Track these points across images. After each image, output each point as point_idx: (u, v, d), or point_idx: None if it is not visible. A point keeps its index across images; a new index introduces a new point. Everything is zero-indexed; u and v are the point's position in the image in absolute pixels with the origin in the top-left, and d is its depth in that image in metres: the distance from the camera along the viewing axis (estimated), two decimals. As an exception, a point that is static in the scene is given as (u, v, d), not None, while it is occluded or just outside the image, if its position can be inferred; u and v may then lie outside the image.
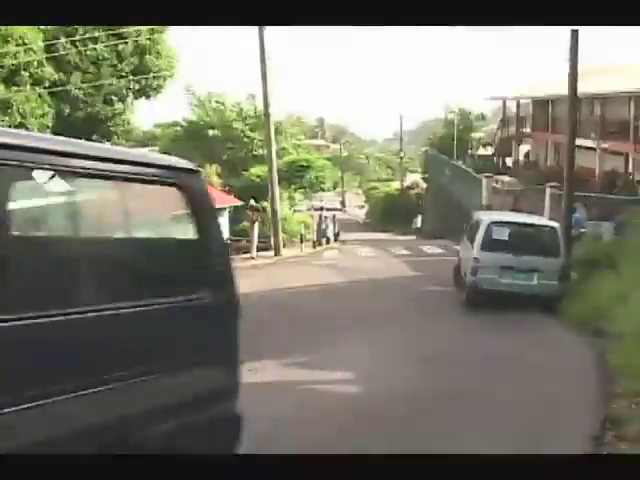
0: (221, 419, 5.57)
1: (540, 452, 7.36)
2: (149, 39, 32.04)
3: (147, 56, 32.43)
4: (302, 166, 55.93)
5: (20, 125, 29.20)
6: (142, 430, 4.83)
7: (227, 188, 47.86)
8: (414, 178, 79.64)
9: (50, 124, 29.98)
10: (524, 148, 54.29)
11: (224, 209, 41.94)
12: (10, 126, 28.94)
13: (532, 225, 19.44)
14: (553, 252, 18.07)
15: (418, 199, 65.83)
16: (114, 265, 5.07)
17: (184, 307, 5.28)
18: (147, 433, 4.86)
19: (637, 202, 25.45)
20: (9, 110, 28.94)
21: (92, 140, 32.45)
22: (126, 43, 31.49)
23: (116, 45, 31.24)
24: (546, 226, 19.34)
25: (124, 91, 32.38)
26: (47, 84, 29.66)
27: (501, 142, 55.79)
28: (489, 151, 60.96)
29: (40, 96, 29.50)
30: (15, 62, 29.01)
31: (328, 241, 40.38)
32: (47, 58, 29.65)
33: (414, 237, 52.15)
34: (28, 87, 29.19)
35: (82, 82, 30.57)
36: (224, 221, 41.14)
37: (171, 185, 5.42)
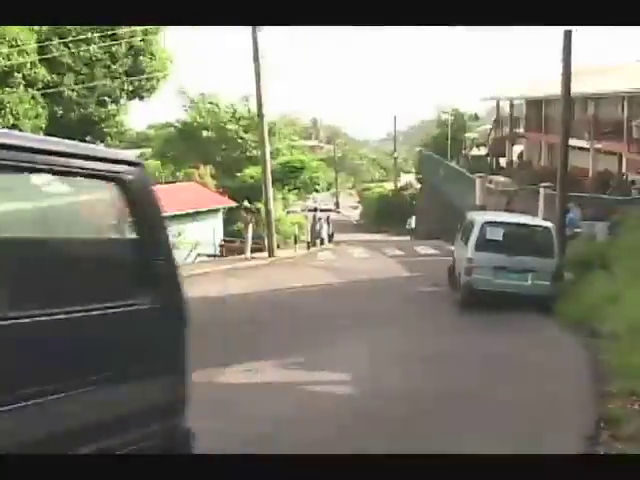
0: (165, 437, 5.14)
1: (536, 452, 7.38)
2: (143, 40, 32.00)
3: (141, 57, 32.41)
4: (296, 167, 55.86)
5: (13, 127, 29.14)
6: (70, 450, 4.34)
7: (221, 189, 47.87)
8: (408, 179, 79.68)
9: (43, 125, 29.92)
10: (518, 148, 54.36)
11: (218, 210, 41.96)
12: (3, 127, 28.90)
13: (526, 225, 19.46)
14: (547, 252, 18.10)
15: (412, 200, 65.86)
16: (41, 268, 4.57)
17: (120, 313, 4.82)
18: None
19: (630, 202, 25.50)
20: (2, 112, 28.88)
21: (86, 141, 32.44)
22: (120, 44, 31.45)
23: (109, 46, 31.19)
24: (540, 226, 19.36)
25: (117, 92, 32.35)
26: (40, 85, 29.62)
27: (495, 142, 55.84)
28: (483, 151, 61.01)
29: (33, 97, 29.45)
30: (8, 64, 28.95)
31: (322, 242, 40.33)
32: (40, 59, 29.58)
33: (408, 238, 52.17)
34: (21, 88, 29.14)
35: (75, 83, 30.52)
36: (218, 222, 41.19)
37: (109, 179, 4.97)
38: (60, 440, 4.31)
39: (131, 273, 5.11)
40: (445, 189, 46.36)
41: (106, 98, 31.96)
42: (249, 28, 29.53)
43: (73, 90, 30.38)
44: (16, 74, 28.95)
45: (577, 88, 23.94)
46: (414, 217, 59.22)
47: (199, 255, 37.34)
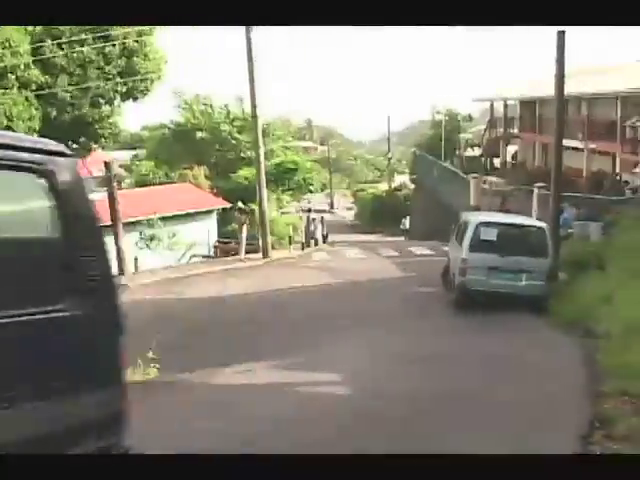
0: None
1: (531, 451, 7.39)
2: (136, 41, 31.97)
3: (134, 58, 32.35)
4: (290, 168, 55.88)
5: (7, 128, 29.08)
6: None
7: (215, 190, 47.84)
8: (402, 179, 79.69)
9: (37, 127, 29.87)
10: (512, 149, 54.40)
11: (212, 211, 41.94)
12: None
13: (520, 226, 19.47)
14: (541, 252, 18.13)
15: (406, 200, 65.87)
16: None
17: (43, 320, 4.36)
18: None
19: (624, 202, 25.55)
20: (-4, 113, 28.86)
21: (80, 143, 32.40)
22: (113, 45, 31.41)
23: (103, 47, 31.15)
24: (534, 226, 19.38)
25: (111, 93, 32.31)
26: (34, 87, 29.56)
27: (489, 143, 55.89)
28: (477, 152, 61.06)
29: (27, 99, 29.40)
30: (1, 65, 28.90)
31: (316, 243, 40.29)
32: (34, 61, 29.53)
33: (402, 238, 52.21)
34: (15, 90, 29.09)
35: (69, 85, 30.47)
36: (212, 223, 41.17)
37: (33, 171, 4.53)
38: None
39: (56, 276, 4.60)
40: (439, 190, 46.35)
41: (100, 99, 31.91)
42: (242, 28, 29.55)
43: (67, 91, 30.33)
44: (9, 75, 28.89)
45: (571, 88, 23.99)
46: (408, 218, 59.22)
47: (193, 256, 37.32)
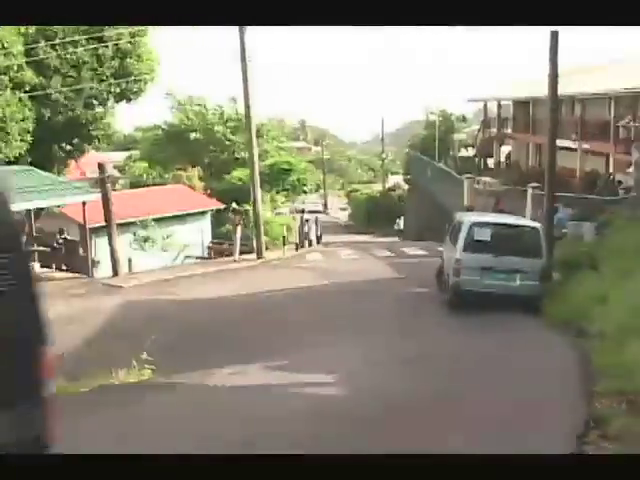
0: None
1: (527, 451, 7.38)
2: (130, 42, 31.92)
3: (128, 59, 32.30)
4: (284, 169, 55.90)
5: (0, 129, 29.03)
6: None
7: (209, 191, 47.82)
8: (396, 180, 79.73)
9: (30, 128, 29.80)
10: (505, 149, 54.43)
11: (206, 212, 41.92)
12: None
13: (514, 226, 19.46)
14: (535, 253, 18.13)
15: (400, 201, 65.93)
16: None
17: None
18: None
19: (617, 202, 25.57)
20: (-11, 114, 28.78)
21: (73, 144, 32.34)
22: (106, 47, 31.35)
23: (96, 49, 31.09)
24: (528, 227, 19.38)
25: (105, 95, 32.24)
26: (27, 88, 29.50)
27: (482, 143, 55.92)
28: (471, 152, 61.10)
29: (20, 100, 29.33)
30: (-5, 66, 28.88)
31: (310, 243, 40.32)
32: (27, 62, 29.47)
33: (396, 239, 52.25)
34: (8, 91, 29.03)
35: (62, 86, 30.41)
36: (206, 224, 41.16)
37: None
38: None
39: None
40: (433, 190, 46.38)
41: (93, 100, 31.86)
42: (236, 29, 29.54)
43: (60, 93, 30.27)
44: (3, 77, 28.83)
45: (564, 89, 23.98)
46: (402, 218, 59.26)
47: (188, 257, 37.33)
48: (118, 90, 32.44)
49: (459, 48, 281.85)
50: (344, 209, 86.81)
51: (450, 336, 16.04)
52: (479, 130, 58.54)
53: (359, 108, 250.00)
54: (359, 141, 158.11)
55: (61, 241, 30.80)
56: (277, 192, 53.73)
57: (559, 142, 24.07)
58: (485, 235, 18.31)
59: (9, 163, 28.99)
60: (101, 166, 28.88)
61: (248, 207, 34.60)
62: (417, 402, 10.25)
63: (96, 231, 30.45)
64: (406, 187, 65.71)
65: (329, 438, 8.40)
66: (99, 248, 30.82)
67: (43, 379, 4.52)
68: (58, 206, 31.75)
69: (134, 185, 50.86)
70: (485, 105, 57.38)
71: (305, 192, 65.91)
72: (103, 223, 28.63)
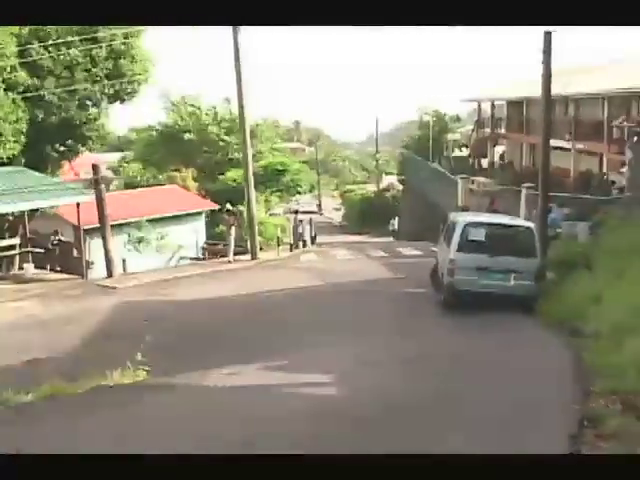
0: None
1: (524, 451, 7.39)
2: (123, 43, 31.83)
3: (121, 60, 32.19)
4: (278, 169, 55.86)
5: (-7, 131, 28.94)
6: None
7: (203, 192, 47.77)
8: (390, 180, 79.75)
9: (24, 129, 29.71)
10: (499, 149, 54.51)
11: (200, 213, 41.91)
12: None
13: (508, 226, 19.50)
14: (529, 252, 18.17)
15: (394, 201, 65.97)
16: None
17: None
18: None
19: (611, 202, 25.63)
20: (-18, 116, 28.69)
21: (67, 145, 32.25)
22: (100, 47, 31.26)
23: (90, 49, 31.00)
24: (522, 227, 19.42)
25: (98, 96, 32.11)
26: (20, 89, 29.39)
27: (476, 143, 55.96)
28: (465, 152, 61.15)
29: (14, 101, 29.21)
30: (-12, 67, 28.78)
31: (305, 244, 40.32)
32: (20, 63, 29.37)
33: (391, 239, 52.29)
34: (1, 92, 28.92)
35: (56, 87, 30.29)
36: (201, 225, 41.15)
37: None
38: None
39: None
40: (427, 190, 46.46)
41: (87, 101, 31.72)
42: (230, 29, 29.55)
43: (54, 94, 30.16)
44: (-4, 78, 28.79)
45: (557, 89, 24.04)
46: (397, 218, 59.31)
47: (182, 258, 37.30)
48: (112, 91, 32.29)
49: (453, 48, 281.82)
50: (338, 209, 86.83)
51: (445, 336, 16.07)
52: (473, 130, 58.58)
53: (353, 108, 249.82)
54: (353, 141, 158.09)
55: (56, 242, 30.75)
56: (271, 193, 53.70)
57: (553, 142, 24.15)
58: (479, 235, 18.35)
59: (2, 164, 28.90)
60: (95, 167, 28.83)
61: (242, 208, 34.58)
62: (416, 401, 10.26)
63: (90, 232, 30.40)
64: (400, 187, 65.75)
65: (328, 437, 8.41)
66: (93, 249, 30.78)
67: None
68: (52, 207, 31.69)
69: (128, 186, 50.77)
70: (479, 105, 57.43)
71: (299, 193, 65.87)
72: (97, 224, 28.59)
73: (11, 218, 30.93)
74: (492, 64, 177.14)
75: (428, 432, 8.92)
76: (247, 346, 15.55)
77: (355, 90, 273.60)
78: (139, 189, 46.08)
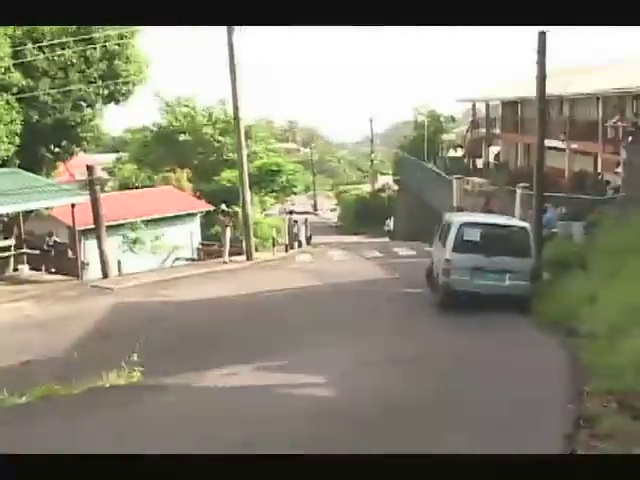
0: None
1: (521, 451, 7.39)
2: (118, 44, 31.81)
3: (116, 61, 32.17)
4: (273, 170, 55.88)
5: (-12, 132, 28.90)
6: None
7: (198, 193, 47.76)
8: (385, 180, 79.77)
9: (18, 130, 29.68)
10: (494, 149, 54.52)
11: (196, 214, 41.89)
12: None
13: (503, 226, 19.52)
14: (524, 252, 18.20)
15: (390, 201, 66.00)
16: None
17: None
18: None
19: (606, 202, 25.66)
20: (-24, 117, 28.65)
21: (62, 147, 32.21)
22: (95, 48, 31.23)
23: (84, 50, 30.97)
24: (517, 227, 19.44)
25: (93, 97, 32.07)
26: (15, 90, 29.36)
27: (471, 144, 55.97)
28: (459, 153, 61.17)
29: (8, 102, 29.18)
30: (-18, 69, 28.74)
31: (300, 245, 40.34)
32: (14, 64, 29.33)
33: (386, 239, 52.31)
34: (-4, 94, 28.92)
35: (50, 88, 30.27)
36: (196, 226, 41.14)
37: None
38: None
39: None
40: (422, 191, 46.48)
41: (82, 102, 31.68)
42: (224, 29, 29.54)
43: (48, 95, 30.14)
44: (-10, 79, 28.74)
45: (552, 89, 24.07)
46: (392, 219, 59.33)
47: (177, 259, 37.27)
48: (107, 92, 32.27)
49: (448, 48, 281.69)
50: (334, 210, 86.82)
51: (440, 336, 16.07)
52: (468, 130, 58.59)
53: (348, 109, 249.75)
54: (348, 142, 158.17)
55: (51, 244, 30.72)
56: (266, 193, 53.71)
57: (548, 142, 24.18)
58: (474, 235, 18.37)
59: (-3, 166, 28.92)
60: (90, 168, 28.82)
61: (237, 208, 34.58)
62: (414, 400, 10.27)
63: (85, 233, 30.39)
64: (395, 188, 65.77)
65: (327, 437, 8.41)
66: (88, 250, 30.75)
67: None
68: (47, 208, 31.67)
69: (123, 187, 50.74)
70: (474, 105, 57.46)
71: (294, 193, 65.92)
72: (92, 225, 28.57)
73: (6, 219, 30.90)
74: (487, 64, 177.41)
75: (425, 431, 8.92)
76: (242, 346, 15.55)
77: (350, 90, 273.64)
78: (134, 190, 46.04)
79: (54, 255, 30.57)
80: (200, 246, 40.60)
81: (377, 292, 22.27)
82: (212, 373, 12.76)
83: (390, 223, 59.29)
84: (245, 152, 32.45)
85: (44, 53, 30.05)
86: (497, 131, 52.62)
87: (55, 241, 30.98)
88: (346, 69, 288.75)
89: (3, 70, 28.87)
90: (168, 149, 54.41)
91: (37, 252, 30.64)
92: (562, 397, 10.17)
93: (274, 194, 56.37)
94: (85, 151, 37.26)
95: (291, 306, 20.51)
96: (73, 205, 28.09)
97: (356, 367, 12.75)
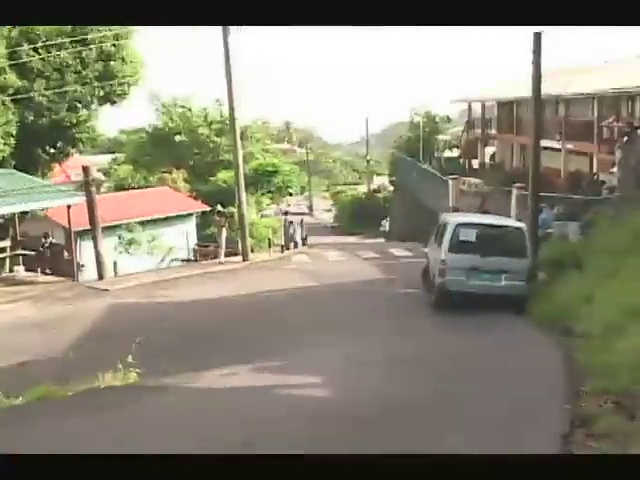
0: None
1: (519, 451, 7.41)
2: (114, 45, 31.83)
3: (111, 62, 32.20)
4: (269, 171, 55.86)
5: (-17, 133, 28.90)
6: None
7: (194, 193, 47.73)
8: (381, 181, 79.80)
9: (14, 132, 29.68)
10: (490, 150, 54.55)
11: (191, 215, 41.87)
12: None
13: (499, 226, 19.53)
14: (520, 253, 18.21)
15: (385, 202, 66.01)
16: None
17: None
18: None
19: (601, 202, 25.68)
20: (-28, 118, 28.64)
21: (57, 148, 32.21)
22: (90, 49, 31.25)
23: (80, 51, 30.99)
24: (513, 227, 19.45)
25: (89, 97, 32.11)
26: (10, 91, 29.37)
27: (467, 144, 56.00)
28: (455, 153, 61.20)
29: (3, 103, 29.19)
30: (-23, 70, 28.72)
31: (296, 245, 40.35)
32: (10, 65, 29.35)
33: (382, 240, 52.31)
34: (-9, 95, 28.92)
35: (46, 89, 30.29)
36: (192, 227, 41.12)
37: None
38: None
39: None
40: (418, 191, 46.47)
41: (77, 103, 31.72)
42: (220, 30, 29.55)
43: (44, 96, 30.15)
44: (-15, 80, 28.72)
45: (548, 89, 24.09)
46: (388, 219, 59.32)
47: (173, 260, 37.26)
48: (102, 93, 32.32)
49: (444, 48, 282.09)
50: (329, 210, 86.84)
51: (436, 336, 16.09)
52: (463, 131, 58.62)
53: (344, 109, 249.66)
54: (344, 143, 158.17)
55: (47, 245, 30.69)
56: (262, 194, 53.69)
57: (543, 142, 24.20)
58: (470, 236, 18.37)
59: (-7, 167, 28.92)
60: (85, 169, 28.80)
61: (233, 209, 34.58)
62: (412, 400, 10.28)
63: (81, 234, 30.37)
64: (391, 188, 65.78)
65: (326, 437, 8.42)
66: (84, 251, 30.73)
67: None
68: (43, 209, 31.66)
69: (119, 188, 50.70)
70: (469, 106, 57.49)
71: (290, 194, 65.91)
72: (88, 226, 28.55)
73: (1, 220, 30.88)
74: (482, 64, 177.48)
75: (423, 431, 8.94)
76: (242, 346, 15.56)
77: (346, 91, 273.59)
78: (130, 191, 46.00)
79: (50, 256, 30.56)
80: (196, 247, 40.59)
81: (374, 292, 22.28)
82: (211, 373, 12.77)
83: (386, 224, 59.30)
84: (241, 153, 32.46)
85: (39, 54, 30.05)
86: (493, 131, 52.66)
87: (51, 242, 30.96)
88: (342, 69, 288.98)
89: (-2, 71, 28.88)
90: (164, 150, 54.35)
91: (33, 253, 30.62)
92: (558, 397, 10.18)
93: (270, 195, 56.31)
94: (81, 152, 37.29)
95: (289, 306, 20.51)
96: (69, 206, 28.08)
97: (355, 367, 12.76)
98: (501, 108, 51.72)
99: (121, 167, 60.17)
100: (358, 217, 66.69)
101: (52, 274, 29.64)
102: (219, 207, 34.54)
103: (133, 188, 48.22)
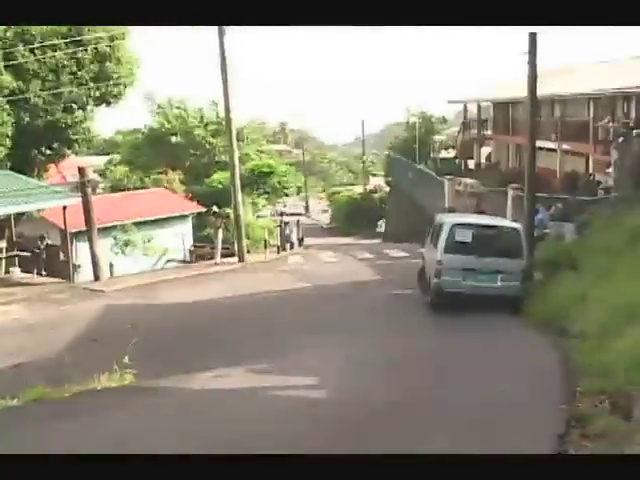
0: None
1: (518, 450, 7.41)
2: (109, 46, 31.79)
3: (107, 63, 32.14)
4: (265, 171, 55.89)
5: (-21, 134, 28.84)
6: None
7: (190, 195, 47.74)
8: (377, 182, 79.76)
9: (9, 133, 29.63)
10: (486, 150, 54.58)
11: (187, 216, 41.86)
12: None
13: (495, 227, 19.53)
14: (516, 253, 18.22)
15: (381, 203, 65.99)
16: None
17: None
18: None
19: (597, 202, 25.71)
20: (-33, 119, 28.58)
21: (53, 149, 32.16)
22: (86, 50, 31.20)
23: (75, 52, 30.95)
24: (509, 228, 19.46)
25: (84, 99, 32.04)
26: (6, 92, 29.31)
27: (463, 145, 56.00)
28: (451, 154, 61.21)
29: (-1, 105, 29.16)
30: (-28, 71, 28.66)
31: (292, 246, 40.35)
32: (5, 66, 29.29)
33: (378, 241, 52.31)
34: (-14, 96, 28.86)
35: (41, 90, 30.24)
36: (188, 228, 41.11)
37: None
38: None
39: None
40: (414, 192, 46.49)
41: (73, 104, 31.66)
42: (216, 30, 29.55)
43: (39, 97, 30.10)
44: (-20, 81, 28.67)
45: (543, 90, 24.12)
46: (384, 220, 59.32)
47: (169, 261, 37.25)
48: (98, 94, 32.26)
49: (439, 49, 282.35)
50: (325, 211, 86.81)
51: (432, 336, 16.10)
52: (459, 131, 58.63)
53: (340, 110, 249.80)
54: (340, 143, 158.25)
55: (43, 246, 30.66)
56: (258, 195, 53.70)
57: (539, 143, 24.22)
58: (466, 236, 18.37)
59: (-12, 168, 28.87)
60: (81, 170, 28.77)
61: (229, 210, 34.58)
62: (409, 400, 10.28)
63: (77, 235, 30.34)
64: (387, 189, 65.77)
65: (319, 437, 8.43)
66: (80, 253, 30.70)
67: None
68: (38, 211, 31.62)
69: (115, 189, 50.69)
70: (465, 106, 57.51)
71: (286, 195, 65.91)
72: (84, 227, 28.52)
73: (-3, 222, 30.83)
74: (478, 65, 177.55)
75: (420, 431, 8.95)
76: (241, 346, 15.55)
77: (342, 92, 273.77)
78: (126, 192, 45.99)
79: (46, 258, 30.52)
80: (192, 248, 40.59)
81: (368, 293, 22.28)
82: (206, 375, 12.76)
83: (382, 224, 59.30)
84: (237, 153, 32.45)
85: (35, 55, 29.99)
86: (488, 132, 52.70)
87: (47, 243, 30.93)
88: (337, 71, 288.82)
89: (-6, 72, 28.83)
90: (160, 151, 54.37)
91: (29, 254, 30.58)
92: (554, 397, 10.19)
93: (266, 196, 56.35)
94: (76, 153, 37.21)
95: (288, 307, 20.51)
96: (65, 207, 28.04)
97: (352, 367, 12.78)
98: (497, 108, 51.76)
99: (117, 168, 60.16)
100: (354, 218, 66.65)
101: (48, 275, 29.61)
102: (215, 208, 34.54)
103: (129, 189, 48.21)
